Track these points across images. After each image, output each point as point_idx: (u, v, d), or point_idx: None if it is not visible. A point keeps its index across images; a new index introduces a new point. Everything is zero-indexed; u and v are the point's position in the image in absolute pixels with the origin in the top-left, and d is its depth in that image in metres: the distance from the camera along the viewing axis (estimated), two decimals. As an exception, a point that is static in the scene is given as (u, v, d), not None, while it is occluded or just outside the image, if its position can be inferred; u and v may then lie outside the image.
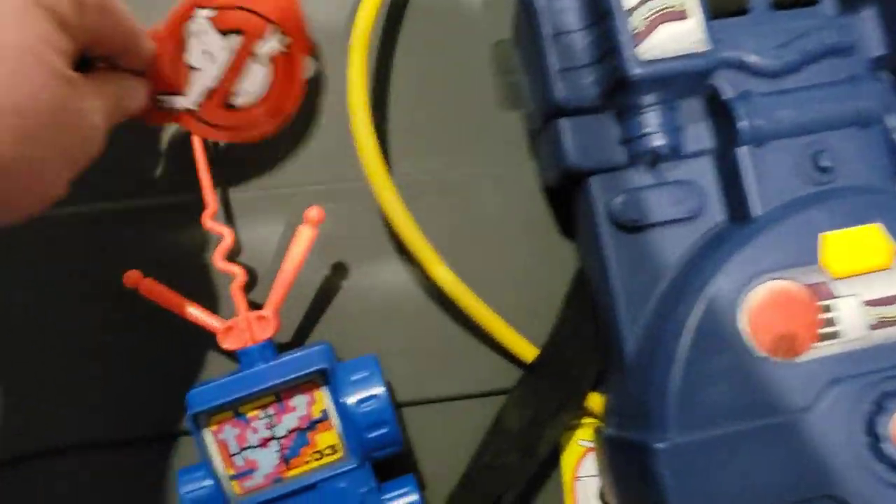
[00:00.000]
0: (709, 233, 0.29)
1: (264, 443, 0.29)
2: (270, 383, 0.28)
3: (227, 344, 0.29)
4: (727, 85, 0.28)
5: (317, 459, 0.29)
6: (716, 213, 0.29)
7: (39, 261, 0.31)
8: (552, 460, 0.32)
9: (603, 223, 0.29)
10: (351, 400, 0.28)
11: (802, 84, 0.29)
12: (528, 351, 0.31)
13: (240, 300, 0.30)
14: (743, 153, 0.28)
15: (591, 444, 0.32)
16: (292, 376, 0.28)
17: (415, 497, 0.29)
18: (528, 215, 0.33)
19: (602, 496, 0.31)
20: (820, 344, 0.26)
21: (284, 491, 0.28)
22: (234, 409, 0.28)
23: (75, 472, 0.31)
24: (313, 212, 0.29)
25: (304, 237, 0.30)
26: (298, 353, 0.29)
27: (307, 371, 0.28)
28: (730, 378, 0.26)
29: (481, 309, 0.30)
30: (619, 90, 0.27)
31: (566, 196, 0.31)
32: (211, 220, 0.30)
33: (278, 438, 0.29)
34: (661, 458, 0.25)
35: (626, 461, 0.28)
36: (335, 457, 0.29)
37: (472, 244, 0.32)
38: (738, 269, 0.26)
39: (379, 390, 0.28)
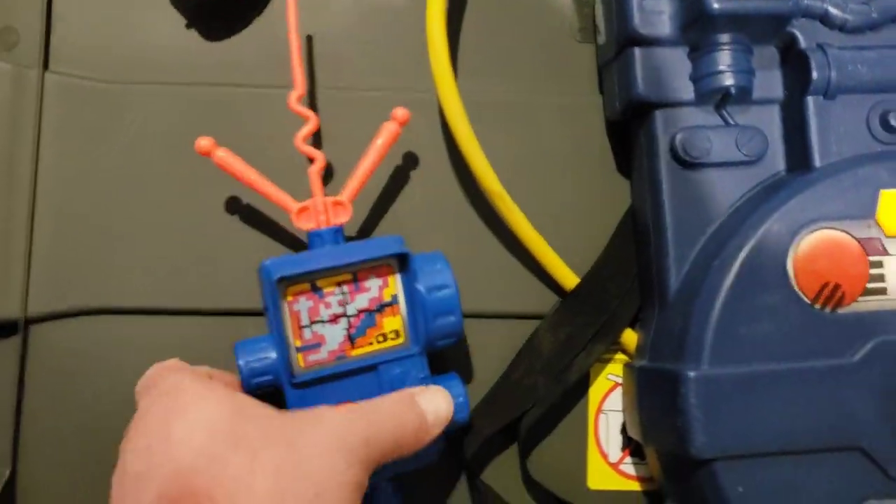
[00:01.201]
0: (767, 180, 0.29)
1: (335, 319, 0.29)
2: (356, 258, 0.28)
3: (301, 223, 0.29)
4: (805, 35, 0.28)
5: (380, 342, 0.29)
6: (777, 162, 0.29)
7: (132, 130, 0.32)
8: (580, 391, 0.32)
9: (663, 157, 0.29)
10: (423, 286, 0.28)
11: (881, 43, 0.29)
12: (569, 278, 0.31)
13: (317, 183, 0.30)
14: (812, 103, 0.28)
15: (620, 380, 0.32)
16: (377, 254, 0.28)
17: (460, 389, 0.29)
18: (588, 149, 0.33)
19: (624, 430, 0.32)
20: (866, 298, 0.26)
21: (345, 368, 0.28)
22: (313, 282, 0.28)
23: (134, 336, 0.32)
24: (400, 111, 0.30)
25: (389, 132, 0.30)
26: (375, 239, 0.30)
27: (390, 252, 0.28)
28: (771, 318, 0.26)
29: (528, 229, 0.30)
30: (697, 25, 0.27)
31: (628, 130, 0.31)
32: (297, 103, 0.30)
33: (348, 317, 0.29)
34: (692, 387, 0.26)
35: (656, 392, 0.28)
36: (397, 342, 0.29)
37: (528, 170, 0.33)
38: (793, 213, 0.27)
39: (449, 280, 0.29)
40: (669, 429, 0.27)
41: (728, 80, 0.28)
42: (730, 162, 0.28)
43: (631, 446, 0.32)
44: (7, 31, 0.33)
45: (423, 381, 0.29)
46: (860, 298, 0.26)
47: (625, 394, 0.31)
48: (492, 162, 0.30)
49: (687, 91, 0.29)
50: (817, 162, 0.28)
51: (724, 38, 0.28)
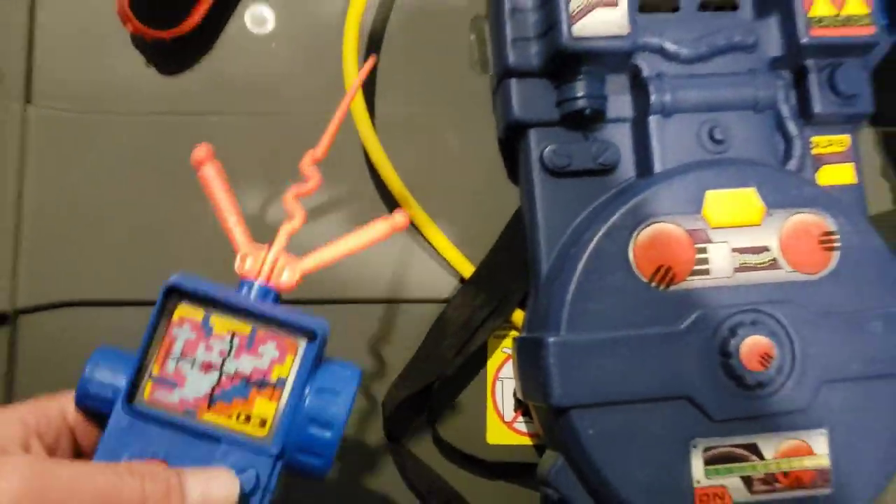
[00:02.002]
0: (622, 185, 0.35)
1: (206, 368, 0.26)
2: (264, 311, 0.26)
3: (240, 266, 0.27)
4: (648, 65, 0.35)
5: (240, 421, 0.26)
6: (629, 170, 0.35)
7: (104, 150, 0.38)
8: (480, 362, 0.38)
9: (535, 168, 0.35)
10: (317, 384, 0.26)
11: (709, 71, 0.35)
12: (467, 267, 0.37)
13: (282, 241, 0.28)
14: (653, 121, 0.34)
15: (510, 352, 0.38)
16: (287, 318, 0.26)
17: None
18: (485, 161, 0.39)
19: (515, 394, 0.38)
20: (692, 278, 0.33)
21: (186, 426, 0.25)
22: (207, 316, 0.26)
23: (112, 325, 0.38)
24: (400, 217, 0.29)
25: (377, 230, 0.29)
26: (300, 312, 0.27)
27: (303, 324, 0.26)
28: (615, 295, 0.32)
29: (431, 226, 0.37)
30: (556, 59, 0.34)
31: (512, 146, 0.38)
32: (311, 165, 0.29)
33: (222, 373, 0.26)
34: (551, 350, 0.32)
35: (528, 357, 0.34)
36: (259, 433, 0.26)
37: (437, 179, 0.39)
38: (635, 210, 0.33)
39: (348, 395, 0.26)
40: (537, 385, 0.33)
41: (584, 104, 0.34)
42: (588, 170, 0.35)
43: (522, 408, 0.38)
44: (-6, 71, 0.39)
45: (263, 486, 0.25)
46: (688, 278, 0.33)
47: (513, 362, 0.38)
48: (405, 172, 0.37)
49: (553, 113, 0.35)
50: (657, 169, 0.34)
51: (581, 69, 0.34)
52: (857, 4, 0.35)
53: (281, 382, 0.26)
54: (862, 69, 0.36)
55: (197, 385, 0.26)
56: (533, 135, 0.35)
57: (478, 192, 0.39)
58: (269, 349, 0.26)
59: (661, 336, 0.32)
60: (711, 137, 0.34)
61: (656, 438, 0.32)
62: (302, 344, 0.26)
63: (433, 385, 0.37)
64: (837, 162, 0.37)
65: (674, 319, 0.32)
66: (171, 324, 0.26)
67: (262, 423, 0.26)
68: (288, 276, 0.28)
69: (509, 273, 0.37)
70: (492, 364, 0.38)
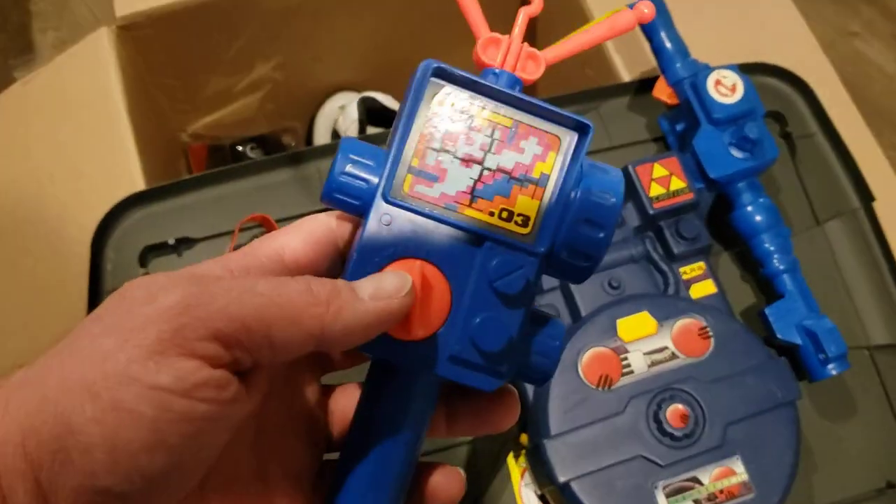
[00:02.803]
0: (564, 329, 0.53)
1: (468, 161, 0.24)
2: (530, 99, 0.25)
3: (484, 54, 0.26)
4: (559, 251, 0.54)
5: (502, 219, 0.25)
6: (565, 320, 0.53)
7: None
8: (504, 479, 0.54)
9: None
10: (584, 185, 0.25)
11: (599, 245, 0.54)
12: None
13: (522, 26, 0.26)
14: (573, 285, 0.53)
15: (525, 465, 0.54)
16: (554, 110, 0.25)
17: (560, 329, 0.26)
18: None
19: (537, 493, 0.54)
20: (623, 378, 0.50)
21: (448, 221, 0.24)
22: (467, 105, 0.25)
23: None
24: (646, 8, 0.27)
25: (623, 20, 0.28)
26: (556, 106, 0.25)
27: (570, 117, 0.25)
28: (577, 401, 0.49)
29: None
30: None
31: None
32: None
33: (483, 167, 0.24)
34: (548, 447, 0.48)
35: (536, 458, 0.50)
36: (522, 231, 0.25)
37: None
38: (575, 343, 0.51)
39: (618, 191, 0.25)
40: (545, 474, 0.49)
41: (526, 285, 0.53)
42: (540, 326, 0.53)
43: (544, 502, 0.54)
44: None
45: (531, 288, 0.25)
46: (620, 379, 0.50)
47: (529, 470, 0.53)
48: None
49: (508, 295, 0.54)
50: (583, 314, 0.52)
51: (519, 264, 0.53)
52: (678, 181, 0.55)
53: (544, 179, 0.25)
54: (696, 218, 0.55)
55: (457, 180, 0.24)
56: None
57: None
58: (532, 144, 0.25)
59: (613, 420, 0.49)
60: (611, 286, 0.53)
61: (630, 487, 0.48)
62: (566, 138, 0.25)
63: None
64: (700, 280, 0.55)
65: (619, 407, 0.49)
66: (430, 112, 0.24)
67: (525, 221, 0.24)
68: (533, 66, 0.26)
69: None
70: (514, 478, 0.54)
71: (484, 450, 0.53)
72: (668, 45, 0.58)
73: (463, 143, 0.25)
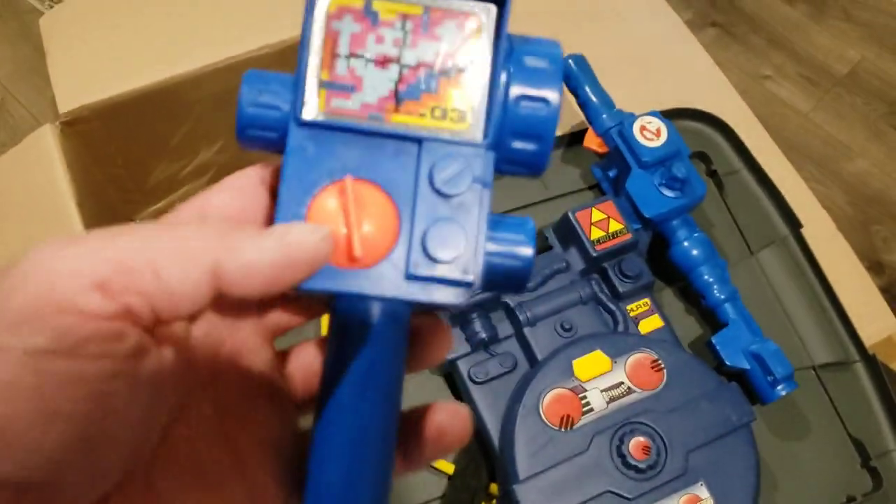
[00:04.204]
0: (522, 376, 0.55)
1: (383, 62, 0.22)
2: None
3: None
4: (510, 300, 0.56)
5: (436, 118, 0.22)
6: (524, 366, 0.55)
7: None
8: (479, 527, 0.55)
9: (468, 383, 0.54)
10: (512, 63, 0.22)
11: (547, 290, 0.56)
12: (448, 466, 0.55)
13: None
14: (526, 332, 0.55)
15: (497, 511, 0.55)
16: None
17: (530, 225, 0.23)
18: (430, 390, 0.58)
19: (509, 538, 0.54)
20: (584, 417, 0.51)
21: (376, 130, 0.22)
22: (367, 1, 0.22)
23: None
24: None
25: None
26: None
27: None
28: (542, 444, 0.51)
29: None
30: (455, 315, 0.54)
31: (450, 374, 0.57)
32: None
33: (402, 65, 0.22)
34: (518, 492, 0.49)
35: (507, 501, 0.51)
36: (460, 126, 0.22)
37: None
38: (535, 387, 0.52)
39: (557, 71, 0.23)
40: (518, 520, 0.50)
41: (481, 335, 0.54)
42: (499, 374, 0.54)
43: (518, 546, 0.54)
44: None
45: (481, 185, 0.22)
46: (581, 418, 0.51)
47: (501, 516, 0.54)
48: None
49: (465, 344, 0.55)
50: (539, 358, 0.54)
51: (472, 313, 0.55)
52: (616, 224, 0.57)
53: (472, 64, 0.22)
54: (637, 257, 0.58)
55: (377, 84, 0.22)
56: (461, 363, 0.55)
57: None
58: (449, 29, 0.22)
59: (579, 459, 0.50)
60: (563, 328, 0.55)
61: (602, 524, 0.49)
62: (484, 14, 0.22)
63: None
64: (647, 316, 0.57)
65: (583, 445, 0.51)
66: (329, 17, 0.22)
67: (461, 115, 0.22)
68: None
69: (474, 467, 0.55)
70: (487, 524, 0.55)
71: (454, 500, 0.54)
72: (593, 98, 0.62)
73: (373, 42, 0.22)
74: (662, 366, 0.53)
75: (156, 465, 0.21)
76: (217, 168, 0.77)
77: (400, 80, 0.22)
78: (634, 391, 0.52)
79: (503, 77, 0.22)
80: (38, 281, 0.18)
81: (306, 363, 0.27)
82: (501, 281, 0.23)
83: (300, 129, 0.22)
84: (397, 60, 0.22)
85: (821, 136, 1.29)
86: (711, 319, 0.59)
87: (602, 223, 0.57)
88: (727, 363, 0.56)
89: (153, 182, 0.74)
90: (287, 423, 0.26)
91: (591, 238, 0.57)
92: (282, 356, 0.27)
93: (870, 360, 0.60)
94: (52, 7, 1.31)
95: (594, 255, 0.56)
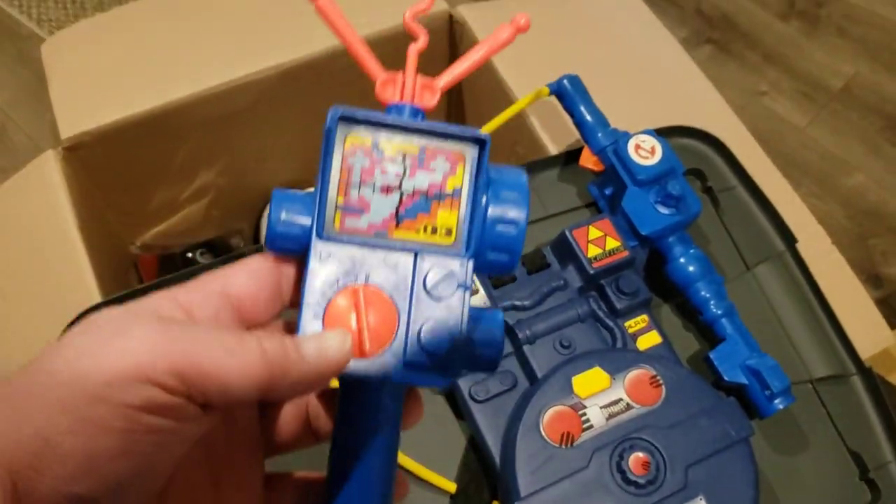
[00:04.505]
0: (522, 394, 0.55)
1: (387, 189, 0.27)
2: (430, 127, 0.27)
3: (384, 93, 0.28)
4: (509, 318, 0.56)
5: (428, 233, 0.27)
6: (524, 384, 0.55)
7: None
8: (481, 545, 0.55)
9: (469, 401, 0.55)
10: (492, 190, 0.28)
11: (546, 308, 0.57)
12: (450, 485, 0.55)
13: (412, 62, 0.29)
14: (526, 350, 0.55)
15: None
16: (453, 132, 0.27)
17: (499, 319, 0.29)
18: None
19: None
20: (584, 433, 0.52)
21: (380, 245, 0.27)
22: (376, 141, 0.27)
23: None
24: (522, 18, 0.29)
25: (502, 35, 0.29)
26: (455, 124, 0.28)
27: (468, 135, 0.27)
28: (543, 461, 0.51)
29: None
30: (456, 334, 0.55)
31: (451, 394, 0.57)
32: (413, 20, 0.29)
33: (402, 192, 0.27)
34: (518, 509, 0.49)
35: (508, 522, 0.52)
36: (446, 240, 0.27)
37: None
38: (535, 404, 0.52)
39: (523, 197, 0.28)
40: (520, 537, 0.50)
41: (481, 354, 0.55)
42: (499, 393, 0.55)
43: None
44: None
45: (463, 289, 0.27)
46: (581, 434, 0.52)
47: (502, 534, 0.54)
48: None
49: (466, 366, 0.55)
50: (539, 375, 0.54)
51: (472, 334, 0.55)
52: (612, 241, 0.58)
53: (457, 192, 0.27)
54: (634, 274, 0.58)
55: (381, 208, 0.27)
56: (461, 382, 0.55)
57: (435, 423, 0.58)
58: (440, 163, 0.27)
59: (579, 475, 0.50)
60: (562, 346, 0.55)
61: (603, 540, 0.49)
62: (468, 153, 0.27)
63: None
64: (645, 332, 0.58)
65: (583, 462, 0.51)
66: (344, 154, 0.27)
67: (449, 231, 0.27)
68: (429, 95, 0.29)
69: (475, 482, 0.55)
70: (489, 542, 0.55)
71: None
72: (589, 117, 0.62)
73: (379, 174, 0.27)
74: (661, 382, 0.53)
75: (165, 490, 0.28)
76: (216, 190, 0.78)
77: (400, 203, 0.27)
78: (633, 407, 0.53)
79: (483, 199, 0.28)
80: (141, 352, 0.23)
81: (284, 410, 0.32)
82: (478, 365, 0.29)
83: (320, 243, 0.27)
84: (398, 188, 0.27)
85: (818, 151, 1.30)
86: (709, 335, 0.59)
87: (599, 241, 0.58)
88: (725, 378, 0.56)
89: (153, 205, 0.75)
90: (260, 461, 0.31)
91: (589, 256, 0.58)
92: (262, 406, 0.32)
93: (866, 373, 0.61)
94: (52, 32, 1.33)
95: (591, 272, 0.57)
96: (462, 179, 0.28)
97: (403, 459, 0.55)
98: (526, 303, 0.57)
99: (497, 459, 0.53)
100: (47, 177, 0.64)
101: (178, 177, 0.74)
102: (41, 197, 0.64)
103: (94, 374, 0.23)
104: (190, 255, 0.82)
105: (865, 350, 0.63)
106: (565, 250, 0.59)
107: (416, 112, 0.29)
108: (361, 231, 0.27)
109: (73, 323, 0.54)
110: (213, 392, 0.24)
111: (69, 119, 0.65)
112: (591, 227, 0.59)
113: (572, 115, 0.63)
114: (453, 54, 0.74)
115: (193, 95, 0.67)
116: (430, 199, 0.27)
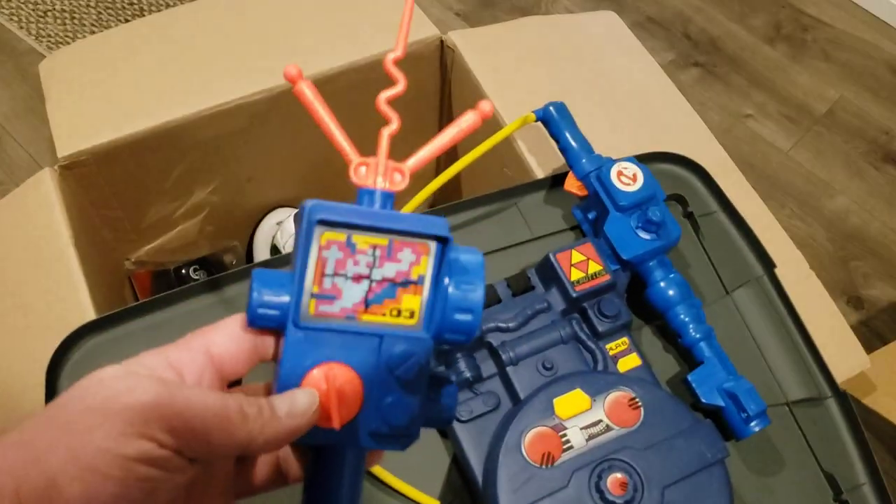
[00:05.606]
0: (505, 414, 0.56)
1: (358, 278, 0.29)
2: (399, 227, 0.29)
3: (357, 178, 0.30)
4: (494, 339, 0.58)
5: (393, 316, 0.30)
6: (507, 404, 0.57)
7: None
8: (463, 561, 0.56)
9: (453, 421, 0.56)
10: (451, 279, 0.30)
11: (530, 330, 0.58)
12: (434, 503, 0.57)
13: (385, 145, 0.31)
14: (509, 371, 0.56)
15: (481, 546, 0.56)
16: (420, 230, 0.29)
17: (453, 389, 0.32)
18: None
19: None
20: (565, 454, 0.53)
21: (352, 329, 0.30)
22: (349, 236, 0.29)
23: None
24: (486, 105, 0.31)
25: (468, 120, 0.31)
26: (422, 216, 0.31)
27: (434, 233, 0.29)
28: (524, 480, 0.52)
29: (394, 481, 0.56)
30: (440, 354, 0.56)
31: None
32: (393, 65, 0.31)
33: (371, 280, 0.29)
34: (499, 527, 0.51)
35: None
36: (410, 321, 0.30)
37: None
38: (517, 425, 0.54)
39: (479, 281, 0.30)
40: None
41: (466, 374, 0.56)
42: (483, 413, 0.56)
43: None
44: None
45: (422, 367, 0.30)
46: (562, 455, 0.53)
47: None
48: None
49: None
50: (521, 396, 0.56)
51: (457, 354, 0.57)
52: (595, 265, 0.60)
53: (421, 279, 0.30)
54: (615, 297, 0.60)
55: (352, 294, 0.29)
56: (443, 403, 0.57)
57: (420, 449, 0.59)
58: (407, 254, 0.30)
59: (559, 495, 0.52)
60: (544, 367, 0.57)
61: (581, 558, 0.51)
62: (432, 245, 0.30)
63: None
64: (626, 354, 0.59)
65: (563, 482, 0.52)
66: (320, 248, 0.29)
67: (411, 314, 0.30)
68: (400, 178, 0.31)
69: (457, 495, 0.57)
70: (471, 559, 0.56)
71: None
72: (573, 143, 0.64)
73: (351, 265, 0.30)
74: (640, 404, 0.55)
75: None
76: (210, 208, 0.79)
77: (369, 290, 0.30)
78: (613, 429, 0.54)
79: (444, 286, 0.30)
80: (141, 410, 0.26)
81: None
82: (435, 426, 0.34)
83: (296, 329, 0.30)
84: (368, 277, 0.30)
85: (802, 174, 1.33)
86: (687, 357, 0.61)
87: (581, 265, 0.59)
88: (703, 400, 0.58)
89: (148, 222, 0.76)
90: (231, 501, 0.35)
91: (572, 279, 0.59)
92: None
93: (841, 396, 0.63)
94: (50, 48, 1.34)
95: (574, 295, 0.59)
96: (426, 269, 0.30)
97: (388, 478, 0.56)
98: (511, 325, 0.58)
99: (480, 478, 0.55)
100: (43, 194, 0.65)
101: (172, 195, 0.76)
102: (37, 214, 0.65)
103: (100, 429, 0.26)
104: (184, 271, 0.83)
105: (842, 374, 0.64)
106: (549, 273, 0.60)
107: (386, 197, 0.31)
108: (334, 315, 0.30)
109: (64, 343, 0.56)
110: (200, 448, 0.28)
111: (66, 138, 0.66)
112: (574, 251, 0.60)
113: (557, 141, 0.65)
114: (444, 78, 0.76)
115: (189, 116, 0.68)
116: (395, 286, 0.30)
